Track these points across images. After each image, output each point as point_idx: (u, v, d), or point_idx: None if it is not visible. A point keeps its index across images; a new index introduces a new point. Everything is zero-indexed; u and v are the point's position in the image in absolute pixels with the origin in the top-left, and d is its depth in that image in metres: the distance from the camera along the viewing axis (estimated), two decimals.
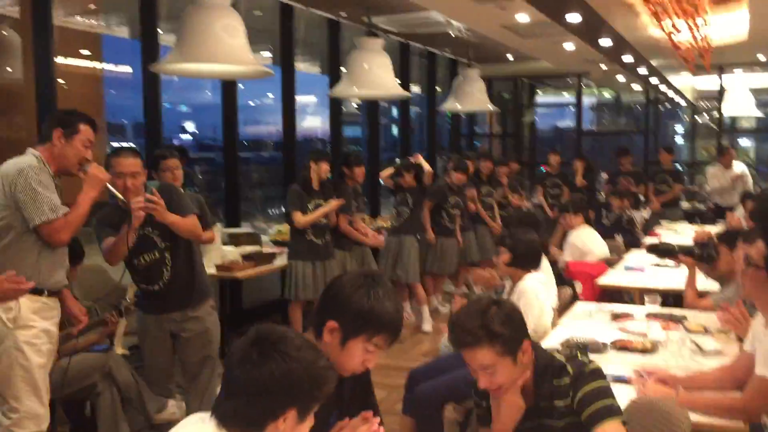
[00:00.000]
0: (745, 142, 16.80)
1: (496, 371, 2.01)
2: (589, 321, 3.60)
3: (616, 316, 3.61)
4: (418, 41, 9.35)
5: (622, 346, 3.09)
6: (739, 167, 9.04)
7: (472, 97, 9.19)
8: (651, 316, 3.64)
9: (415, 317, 6.89)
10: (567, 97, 17.24)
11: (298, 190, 5.61)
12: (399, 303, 1.96)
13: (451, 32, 8.20)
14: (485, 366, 2.01)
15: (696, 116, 15.95)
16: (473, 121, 12.35)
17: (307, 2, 7.10)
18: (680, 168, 9.53)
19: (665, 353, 3.04)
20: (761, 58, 9.42)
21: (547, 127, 18.51)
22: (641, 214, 8.41)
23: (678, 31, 6.22)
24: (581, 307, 3.89)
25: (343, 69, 7.20)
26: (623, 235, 6.67)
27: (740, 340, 3.21)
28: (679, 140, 18.36)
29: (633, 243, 6.61)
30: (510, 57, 10.55)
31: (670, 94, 9.08)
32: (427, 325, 6.57)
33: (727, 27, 7.13)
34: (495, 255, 3.89)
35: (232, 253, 5.49)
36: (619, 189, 7.84)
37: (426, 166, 6.68)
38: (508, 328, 2.01)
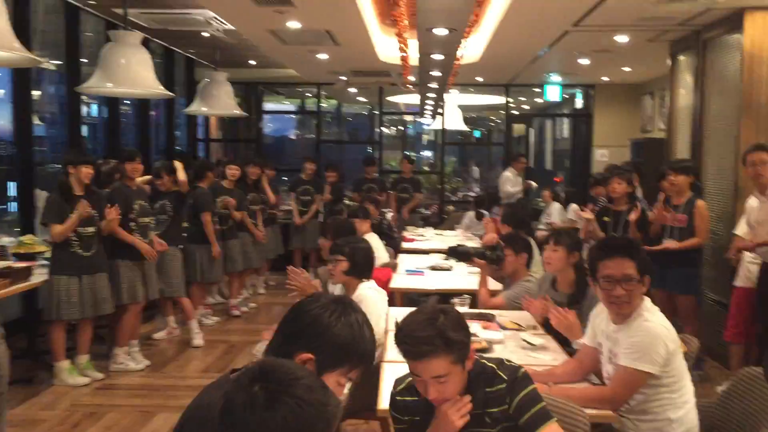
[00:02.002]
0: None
1: (448, 380, 1.98)
2: None
3: None
4: (159, 38, 8.84)
5: None
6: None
7: (219, 100, 8.91)
8: (466, 317, 3.88)
9: (179, 331, 6.50)
10: (289, 105, 17.61)
11: (57, 198, 4.99)
12: (372, 330, 1.84)
13: (206, 33, 7.90)
14: (439, 376, 1.97)
15: (401, 128, 17.37)
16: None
17: None
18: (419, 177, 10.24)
19: (503, 351, 3.27)
20: (479, 79, 10.56)
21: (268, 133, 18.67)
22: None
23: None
24: (400, 311, 3.98)
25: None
26: (385, 239, 6.99)
27: (549, 333, 3.60)
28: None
29: (394, 247, 6.97)
30: (252, 62, 10.48)
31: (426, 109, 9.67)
32: (198, 340, 6.23)
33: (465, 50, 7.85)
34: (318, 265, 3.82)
35: None
36: (372, 196, 8.23)
37: (182, 176, 6.29)
38: (461, 334, 2.01)
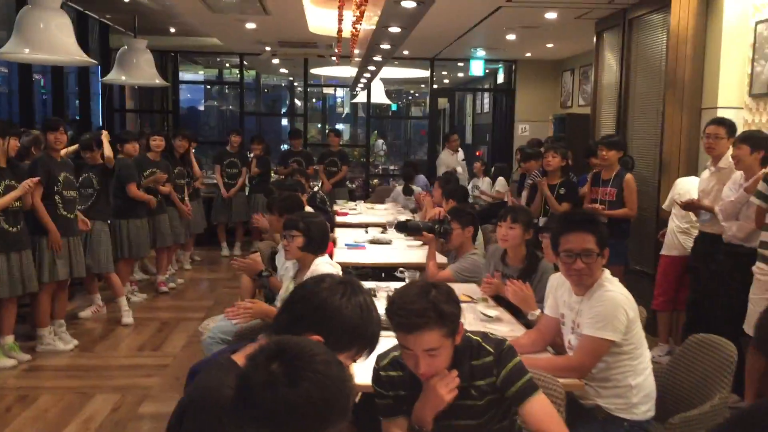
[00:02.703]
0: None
1: (439, 354, 1.98)
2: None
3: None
4: (72, 1, 8.37)
5: None
6: (461, 153, 9.82)
7: (139, 69, 8.59)
8: None
9: (105, 309, 6.27)
10: (202, 75, 17.08)
11: None
12: (378, 311, 1.81)
13: None
14: (431, 349, 1.97)
15: (314, 100, 17.14)
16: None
17: None
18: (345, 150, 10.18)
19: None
20: (406, 52, 10.55)
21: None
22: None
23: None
24: None
25: None
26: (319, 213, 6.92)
27: (499, 305, 3.68)
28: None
29: (329, 221, 6.91)
30: (172, 30, 10.10)
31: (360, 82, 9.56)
32: (128, 317, 6.02)
33: None
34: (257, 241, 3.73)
35: None
36: (302, 169, 8.12)
37: (108, 149, 6.01)
38: (453, 307, 2.01)
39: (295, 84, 17.07)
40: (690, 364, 2.92)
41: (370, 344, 1.76)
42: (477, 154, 14.49)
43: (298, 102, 17.75)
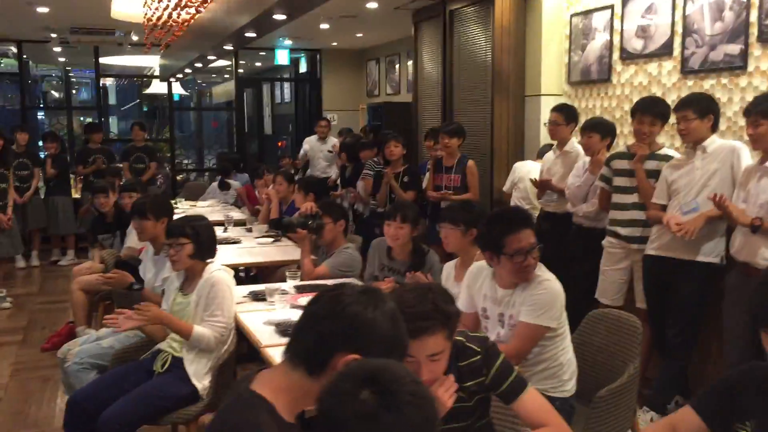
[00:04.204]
0: None
1: (440, 359, 1.87)
2: (263, 304, 3.52)
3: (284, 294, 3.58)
4: None
5: None
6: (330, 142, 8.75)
7: None
8: (301, 290, 3.74)
9: None
10: None
11: None
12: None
13: None
14: (434, 354, 1.85)
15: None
16: None
17: None
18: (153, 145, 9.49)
19: None
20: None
21: None
22: None
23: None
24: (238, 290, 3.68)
25: None
26: None
27: None
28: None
29: None
30: None
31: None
32: None
33: None
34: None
35: None
36: (114, 168, 7.45)
37: None
38: (454, 307, 1.91)
39: (71, 75, 15.62)
40: (590, 340, 3.08)
41: (405, 356, 1.62)
42: (279, 145, 14.29)
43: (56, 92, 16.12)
